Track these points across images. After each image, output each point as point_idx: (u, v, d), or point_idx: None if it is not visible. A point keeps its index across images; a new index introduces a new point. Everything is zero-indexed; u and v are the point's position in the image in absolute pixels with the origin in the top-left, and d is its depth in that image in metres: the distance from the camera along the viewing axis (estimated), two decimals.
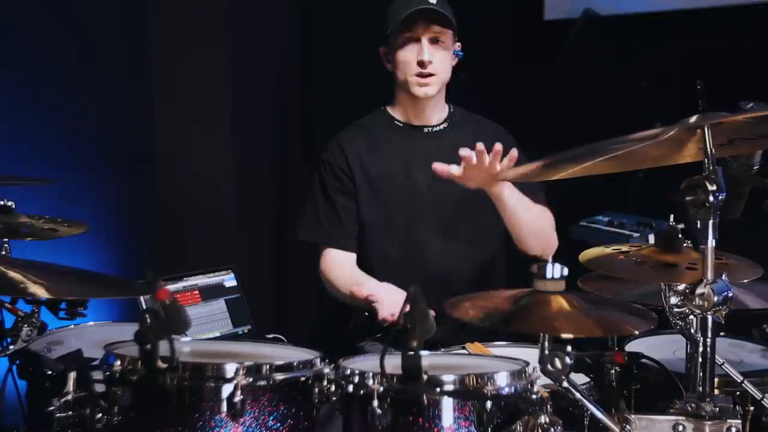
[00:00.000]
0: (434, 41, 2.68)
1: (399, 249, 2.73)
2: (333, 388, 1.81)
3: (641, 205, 3.79)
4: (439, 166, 2.46)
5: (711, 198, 1.70)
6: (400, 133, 2.81)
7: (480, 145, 2.41)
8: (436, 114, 2.82)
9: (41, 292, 1.82)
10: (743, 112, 2.00)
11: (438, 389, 1.71)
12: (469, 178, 2.47)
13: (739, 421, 1.73)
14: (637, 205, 3.83)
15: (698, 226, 1.73)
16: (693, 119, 1.80)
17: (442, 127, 2.82)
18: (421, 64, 2.66)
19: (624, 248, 2.21)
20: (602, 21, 4.16)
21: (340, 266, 2.75)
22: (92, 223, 2.51)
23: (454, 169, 2.45)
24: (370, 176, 2.77)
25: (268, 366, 1.77)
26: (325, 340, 3.29)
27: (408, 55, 2.68)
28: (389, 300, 2.46)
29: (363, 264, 2.76)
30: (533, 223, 2.66)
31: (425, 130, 2.81)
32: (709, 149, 1.75)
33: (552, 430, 1.72)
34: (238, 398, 1.69)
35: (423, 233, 2.73)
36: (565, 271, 1.77)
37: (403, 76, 2.71)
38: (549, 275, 1.76)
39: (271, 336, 2.59)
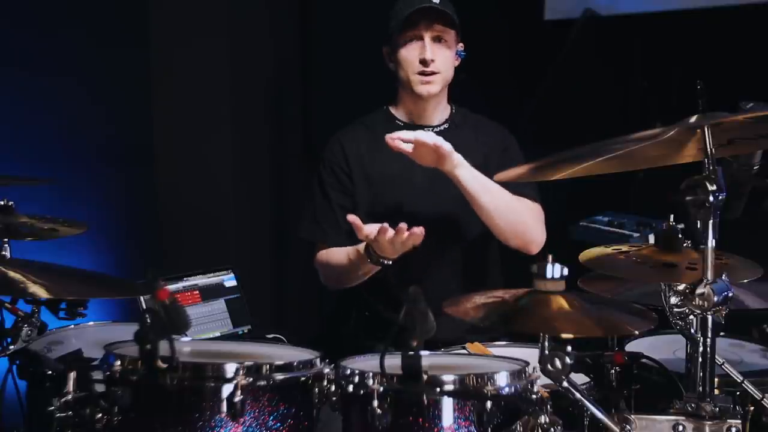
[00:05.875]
0: (437, 40, 2.68)
1: None
2: (333, 388, 1.81)
3: (641, 205, 3.78)
4: (391, 139, 2.52)
5: (711, 198, 1.70)
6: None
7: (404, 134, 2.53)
8: (439, 113, 2.82)
9: (41, 292, 1.83)
10: (743, 112, 2.00)
11: (438, 389, 1.71)
12: (419, 156, 2.55)
13: (739, 421, 1.74)
14: (637, 205, 3.82)
15: (698, 226, 1.73)
16: (693, 119, 1.80)
17: (443, 127, 2.82)
18: (424, 62, 2.67)
19: (624, 248, 2.21)
20: (602, 21, 4.15)
21: (336, 252, 2.74)
22: (92, 223, 2.51)
23: (403, 146, 2.53)
24: (370, 175, 2.77)
25: (268, 366, 1.77)
26: (325, 340, 3.29)
27: (411, 54, 2.69)
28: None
29: None
30: (504, 212, 2.63)
31: (426, 130, 2.80)
32: (709, 149, 1.75)
33: (552, 430, 1.72)
34: (238, 398, 1.69)
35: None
36: (565, 271, 1.78)
37: (406, 75, 2.71)
38: (549, 275, 1.76)
39: (271, 336, 2.58)
